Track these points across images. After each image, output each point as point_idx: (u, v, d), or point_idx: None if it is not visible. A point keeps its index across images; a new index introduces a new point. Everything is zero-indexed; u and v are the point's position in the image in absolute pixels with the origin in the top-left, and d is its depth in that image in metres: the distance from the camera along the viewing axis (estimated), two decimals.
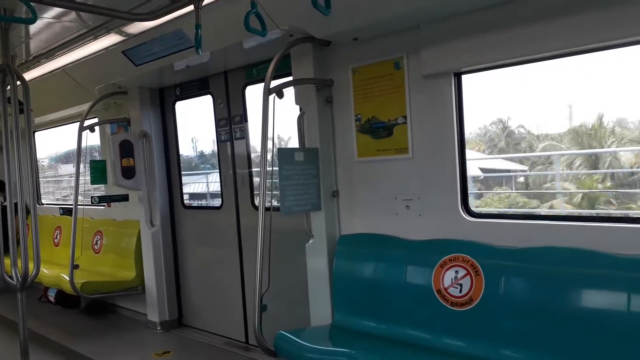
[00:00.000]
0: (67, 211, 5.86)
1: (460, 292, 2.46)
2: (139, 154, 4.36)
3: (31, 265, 2.97)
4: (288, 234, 3.28)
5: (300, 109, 3.13)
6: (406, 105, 2.72)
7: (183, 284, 4.58)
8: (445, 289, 2.50)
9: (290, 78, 3.12)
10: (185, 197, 4.72)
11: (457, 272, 2.48)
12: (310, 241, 3.07)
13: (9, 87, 2.89)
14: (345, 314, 2.86)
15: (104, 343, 4.22)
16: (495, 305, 2.36)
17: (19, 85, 2.93)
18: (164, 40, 3.40)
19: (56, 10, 3.08)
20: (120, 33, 3.49)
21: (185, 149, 4.89)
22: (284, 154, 2.81)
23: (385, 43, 2.78)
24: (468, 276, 2.45)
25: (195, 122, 5.11)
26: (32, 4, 1.76)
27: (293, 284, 3.32)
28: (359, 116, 2.91)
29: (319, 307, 3.04)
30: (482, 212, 2.75)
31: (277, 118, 2.76)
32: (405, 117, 2.73)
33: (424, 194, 2.72)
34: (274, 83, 2.77)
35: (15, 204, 2.94)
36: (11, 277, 2.96)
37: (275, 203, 2.95)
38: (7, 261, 3.03)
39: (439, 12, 2.46)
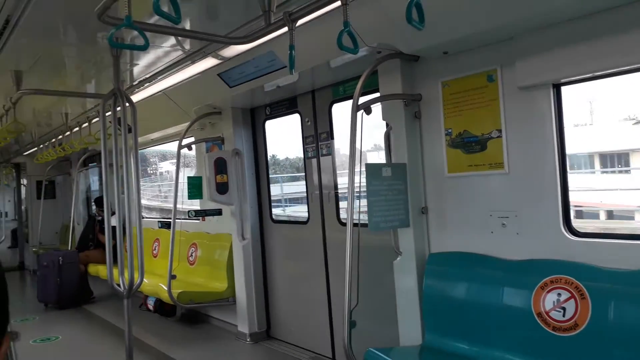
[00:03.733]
0: (164, 225, 6.28)
1: (564, 316, 2.29)
2: (231, 171, 4.56)
3: (136, 275, 3.22)
4: (374, 250, 3.27)
5: (388, 125, 3.12)
6: (501, 119, 2.62)
7: (271, 297, 4.70)
8: (547, 313, 2.34)
9: (376, 94, 3.13)
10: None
11: (559, 294, 2.32)
12: (398, 258, 3.03)
13: (119, 108, 3.18)
14: (437, 334, 2.77)
15: (198, 352, 4.43)
16: (605, 332, 2.17)
17: (127, 107, 3.21)
18: (256, 62, 3.56)
19: (159, 38, 3.37)
20: (216, 57, 3.71)
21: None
22: (372, 169, 2.81)
23: (477, 56, 2.71)
24: (572, 299, 2.28)
25: (281, 139, 5.29)
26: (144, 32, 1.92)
27: (380, 300, 3.28)
28: (450, 130, 2.84)
29: (408, 326, 2.98)
30: (587, 231, 2.54)
31: (363, 134, 2.77)
32: (499, 130, 2.62)
33: (521, 211, 2.58)
34: (361, 100, 2.80)
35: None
36: (119, 285, 3.22)
37: (363, 218, 2.94)
38: (115, 271, 3.30)
39: (535, 22, 2.35)
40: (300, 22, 2.43)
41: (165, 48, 3.62)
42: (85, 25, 3.13)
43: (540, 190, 2.50)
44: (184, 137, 4.60)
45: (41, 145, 7.38)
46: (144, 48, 1.95)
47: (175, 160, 4.73)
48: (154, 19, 2.76)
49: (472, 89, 2.73)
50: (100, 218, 7.11)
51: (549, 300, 2.34)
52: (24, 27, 2.92)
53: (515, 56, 2.51)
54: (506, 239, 2.63)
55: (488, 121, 2.67)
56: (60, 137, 6.35)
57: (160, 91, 4.61)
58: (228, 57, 3.69)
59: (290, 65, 2.44)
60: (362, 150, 2.85)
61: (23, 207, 10.63)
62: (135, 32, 2.03)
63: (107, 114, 3.21)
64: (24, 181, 10.25)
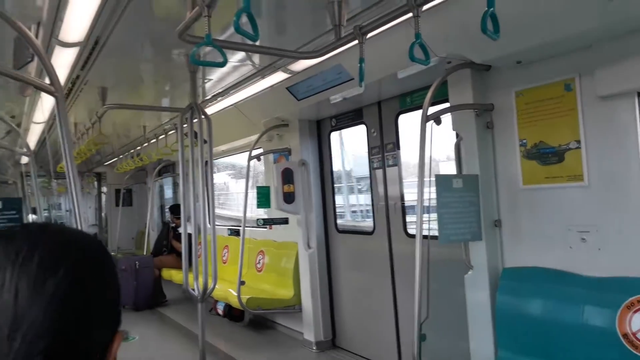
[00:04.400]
0: (234, 232, 6.49)
1: None
2: (298, 181, 4.66)
3: (209, 280, 3.37)
4: (444, 263, 3.21)
5: (458, 135, 3.08)
6: (579, 129, 2.50)
7: (336, 306, 4.72)
8: (634, 334, 2.20)
9: (446, 104, 3.09)
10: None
11: None
12: (470, 272, 2.96)
13: (195, 121, 3.36)
14: (510, 352, 2.67)
15: (266, 357, 4.53)
16: None
17: (203, 120, 3.38)
18: (324, 75, 3.63)
19: (230, 54, 3.52)
20: (286, 71, 3.82)
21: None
22: (442, 180, 2.77)
23: (553, 64, 2.61)
24: None
25: (345, 150, 5.34)
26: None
27: (450, 314, 3.21)
28: (525, 141, 2.75)
29: (480, 342, 2.90)
30: None
31: (432, 145, 2.75)
32: (578, 141, 2.51)
33: (603, 226, 2.45)
34: (430, 110, 2.78)
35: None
36: (193, 290, 3.38)
37: (432, 230, 2.90)
38: (189, 276, 3.46)
39: (616, 30, 2.24)
40: (370, 34, 2.46)
41: (234, 63, 3.78)
42: (162, 44, 3.34)
43: (625, 203, 2.36)
44: (253, 149, 4.75)
45: (121, 156, 7.89)
46: (223, 65, 2.05)
47: (229, 172, 4.90)
48: (225, 36, 2.91)
49: (548, 98, 2.63)
50: (174, 225, 7.47)
51: (637, 321, 2.20)
52: (110, 48, 3.16)
53: (594, 64, 2.40)
54: (586, 254, 2.50)
55: (566, 131, 2.56)
56: (139, 148, 6.76)
57: (231, 105, 4.80)
58: (297, 71, 3.79)
59: (360, 78, 2.47)
60: (432, 161, 2.82)
61: (103, 214, 11.37)
62: (209, 48, 2.16)
63: (183, 125, 3.40)
64: (104, 189, 10.97)
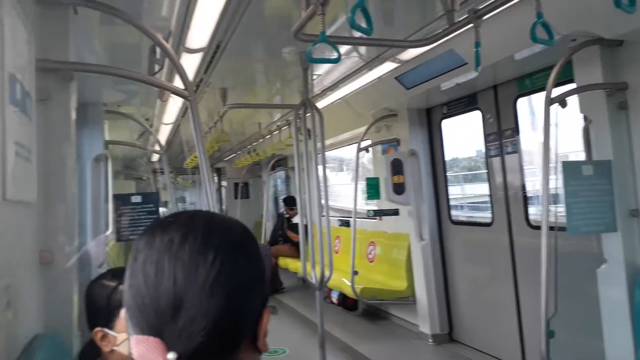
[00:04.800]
0: (344, 223, 6.62)
1: None
2: (408, 171, 4.61)
3: (325, 269, 3.48)
4: (573, 256, 2.99)
5: (586, 118, 2.83)
6: None
7: (453, 299, 4.61)
8: None
9: (570, 85, 2.86)
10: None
11: None
12: (603, 266, 2.71)
13: (307, 115, 3.48)
14: None
15: (382, 347, 4.57)
16: None
17: (315, 115, 3.50)
18: (435, 62, 3.54)
19: (342, 50, 3.57)
20: (394, 60, 3.79)
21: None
22: (569, 168, 2.57)
23: None
24: None
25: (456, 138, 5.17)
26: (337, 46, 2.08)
27: (580, 311, 2.98)
28: None
29: (616, 342, 2.65)
30: None
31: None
32: None
33: None
34: (554, 92, 2.59)
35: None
36: (311, 278, 3.53)
37: (559, 221, 2.71)
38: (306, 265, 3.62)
39: None
40: (486, 16, 2.36)
41: (342, 57, 3.82)
42: (274, 44, 3.50)
43: None
44: (362, 140, 4.80)
45: (238, 152, 8.40)
46: (337, 61, 2.10)
47: (329, 165, 4.97)
48: (331, 31, 2.95)
49: None
50: (287, 216, 7.80)
51: None
52: (229, 51, 3.37)
53: None
54: None
55: None
56: (254, 143, 7.15)
57: (339, 98, 4.88)
58: (405, 60, 3.75)
59: (477, 62, 2.37)
60: (557, 146, 2.64)
61: (223, 206, 12.20)
62: (319, 45, 2.22)
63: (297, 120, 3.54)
64: (224, 183, 11.76)
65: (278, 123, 6.00)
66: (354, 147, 5.05)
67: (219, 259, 0.63)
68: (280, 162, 9.07)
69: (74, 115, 2.06)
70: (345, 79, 4.37)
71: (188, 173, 11.40)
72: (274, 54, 3.80)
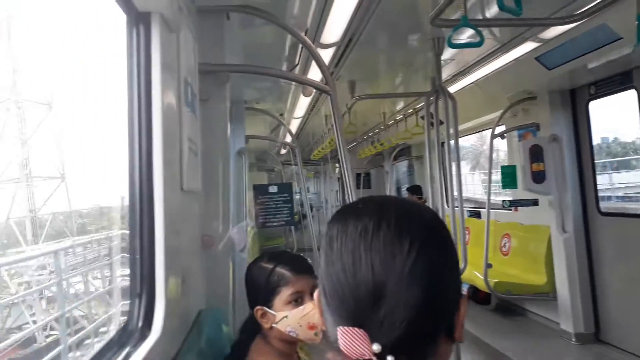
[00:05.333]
0: (474, 214, 6.36)
1: None
2: (549, 158, 4.28)
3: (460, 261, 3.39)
4: None
5: None
6: None
7: (600, 297, 4.21)
8: None
9: None
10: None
11: None
12: None
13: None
14: None
15: (520, 344, 4.34)
16: None
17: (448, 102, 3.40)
18: (582, 38, 3.24)
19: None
20: (534, 40, 3.54)
21: None
22: None
23: None
24: None
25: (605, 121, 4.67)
26: (479, 29, 2.01)
27: None
28: None
29: None
30: None
31: None
32: None
33: None
34: None
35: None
36: None
37: None
38: None
39: None
40: None
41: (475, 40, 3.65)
42: (403, 33, 3.46)
43: None
44: (496, 126, 4.56)
45: (360, 142, 8.49)
46: (480, 44, 2.03)
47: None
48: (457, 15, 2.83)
49: None
50: None
51: None
52: (361, 43, 3.42)
53: None
54: None
55: None
56: (377, 132, 7.17)
57: (471, 83, 4.68)
58: (548, 38, 3.47)
59: (638, 37, 2.13)
60: None
61: (346, 197, 12.45)
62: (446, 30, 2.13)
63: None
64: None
65: (404, 112, 5.94)
66: (472, 136, 4.81)
67: (414, 247, 0.61)
68: (403, 152, 8.98)
69: (228, 113, 2.25)
70: (477, 63, 4.19)
71: (311, 164, 11.81)
72: (403, 42, 3.76)
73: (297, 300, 1.44)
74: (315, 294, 0.70)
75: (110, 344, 1.17)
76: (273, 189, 4.54)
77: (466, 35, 3.13)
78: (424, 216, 0.68)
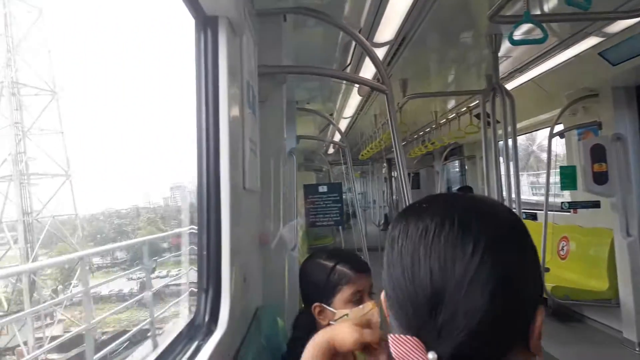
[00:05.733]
0: (530, 216, 6.15)
1: None
2: (612, 159, 4.08)
3: None
4: None
5: None
6: None
7: None
8: None
9: None
10: None
11: None
12: None
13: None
14: None
15: (577, 352, 4.16)
16: None
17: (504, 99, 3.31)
18: None
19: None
20: (598, 34, 3.38)
21: None
22: None
23: None
24: None
25: None
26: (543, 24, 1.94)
27: None
28: None
29: None
30: None
31: None
32: None
33: None
34: None
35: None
36: None
37: None
38: None
39: None
40: None
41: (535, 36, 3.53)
42: (460, 30, 3.39)
43: None
44: (555, 124, 4.39)
45: (411, 141, 8.38)
46: (543, 40, 1.96)
47: None
48: (514, 10, 2.73)
49: None
50: None
51: None
52: (414, 42, 3.38)
53: None
54: None
55: None
56: (429, 130, 7.05)
57: (528, 80, 4.53)
58: (613, 32, 3.31)
59: None
60: None
61: (394, 197, 12.34)
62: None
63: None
64: (395, 174, 11.88)
65: (456, 111, 5.83)
66: (522, 136, 4.64)
67: (479, 250, 0.56)
68: (454, 151, 8.80)
69: (284, 114, 2.29)
70: (535, 60, 4.05)
71: (358, 164, 11.76)
72: (457, 40, 3.68)
73: (357, 299, 1.44)
74: (382, 296, 0.67)
75: (180, 337, 1.21)
76: (323, 188, 4.56)
77: (526, 31, 3.04)
78: (497, 215, 0.61)
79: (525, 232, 0.62)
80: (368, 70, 3.72)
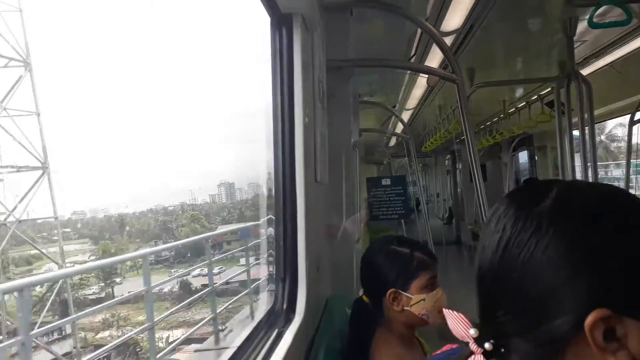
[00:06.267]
0: None
1: None
2: None
3: None
4: None
5: None
6: None
7: None
8: None
9: None
10: None
11: None
12: None
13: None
14: None
15: None
16: None
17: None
18: None
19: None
20: None
21: None
22: None
23: None
24: None
25: None
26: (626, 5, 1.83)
27: None
28: None
29: None
30: None
31: None
32: None
33: None
34: None
35: None
36: None
37: None
38: None
39: None
40: None
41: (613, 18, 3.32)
42: (531, 16, 3.25)
43: None
44: (637, 111, 4.12)
45: (477, 132, 8.14)
46: (627, 23, 1.85)
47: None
48: None
49: None
50: None
51: None
52: (482, 29, 3.27)
53: None
54: None
55: None
56: (497, 120, 6.81)
57: (605, 65, 4.27)
58: None
59: None
60: None
61: (458, 190, 12.03)
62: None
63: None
64: (459, 166, 11.57)
65: (526, 99, 5.59)
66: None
67: (536, 234, 0.54)
68: (523, 142, 8.44)
69: (351, 108, 2.30)
70: (614, 43, 3.80)
71: (419, 157, 11.56)
72: (528, 25, 3.53)
73: (432, 284, 1.46)
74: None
75: (261, 324, 1.27)
76: (386, 181, 4.55)
77: (603, 12, 2.87)
78: (587, 203, 0.56)
79: (606, 224, 0.54)
80: (433, 60, 3.65)
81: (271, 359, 1.02)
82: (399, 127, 7.22)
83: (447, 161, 13.62)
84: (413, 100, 5.59)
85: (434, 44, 3.40)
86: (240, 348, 1.06)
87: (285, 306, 1.33)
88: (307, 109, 1.44)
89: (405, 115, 6.61)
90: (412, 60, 3.69)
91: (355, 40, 3.29)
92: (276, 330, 1.22)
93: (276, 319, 1.29)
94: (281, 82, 1.35)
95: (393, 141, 9.48)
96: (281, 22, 1.35)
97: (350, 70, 2.16)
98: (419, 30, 3.19)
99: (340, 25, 2.15)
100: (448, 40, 3.37)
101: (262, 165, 1.51)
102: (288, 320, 1.28)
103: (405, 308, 1.46)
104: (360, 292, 1.65)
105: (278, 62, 1.35)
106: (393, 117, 5.35)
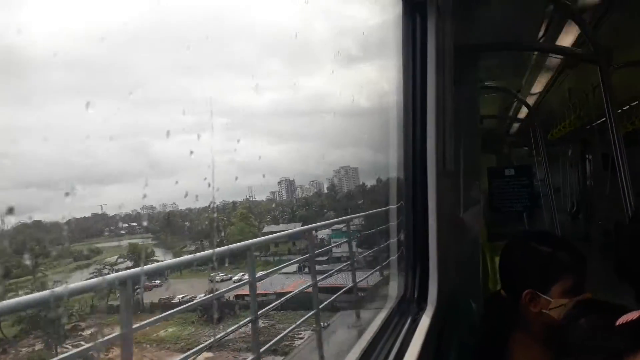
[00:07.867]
0: None
1: None
2: None
3: None
4: None
5: None
6: None
7: None
8: None
9: None
10: None
11: None
12: None
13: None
14: None
15: None
16: None
17: None
18: None
19: None
20: None
21: None
22: None
23: None
24: None
25: None
26: None
27: None
28: None
29: None
30: None
31: None
32: None
33: None
34: None
35: None
36: None
37: None
38: None
39: None
40: None
41: None
42: None
43: None
44: None
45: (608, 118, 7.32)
46: None
47: None
48: None
49: None
50: None
51: None
52: (624, 3, 2.94)
53: None
54: None
55: None
56: (635, 103, 6.08)
57: None
58: None
59: None
60: None
61: (588, 182, 10.95)
62: None
63: None
64: (589, 156, 10.52)
65: None
66: None
67: None
68: None
69: (477, 94, 2.21)
70: None
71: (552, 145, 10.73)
72: None
73: (577, 289, 1.33)
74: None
75: (394, 312, 1.28)
76: (509, 172, 4.32)
77: None
78: None
79: None
80: (565, 41, 3.36)
81: (411, 343, 1.03)
82: (522, 114, 6.74)
83: (569, 151, 12.45)
84: (539, 85, 5.20)
85: (566, 23, 3.14)
86: (379, 332, 1.09)
87: (416, 295, 1.33)
88: (439, 95, 1.42)
89: (530, 100, 6.17)
90: (542, 40, 3.43)
91: (482, 23, 3.16)
92: (410, 318, 1.22)
93: (408, 306, 1.30)
94: (414, 68, 1.34)
95: (518, 128, 8.89)
96: (414, 10, 1.33)
97: (475, 55, 2.07)
98: (551, 8, 2.95)
99: (469, 10, 2.07)
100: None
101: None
102: (421, 309, 1.28)
103: (544, 311, 1.36)
104: (498, 287, 1.58)
105: (410, 49, 1.34)
106: (515, 103, 5.00)
